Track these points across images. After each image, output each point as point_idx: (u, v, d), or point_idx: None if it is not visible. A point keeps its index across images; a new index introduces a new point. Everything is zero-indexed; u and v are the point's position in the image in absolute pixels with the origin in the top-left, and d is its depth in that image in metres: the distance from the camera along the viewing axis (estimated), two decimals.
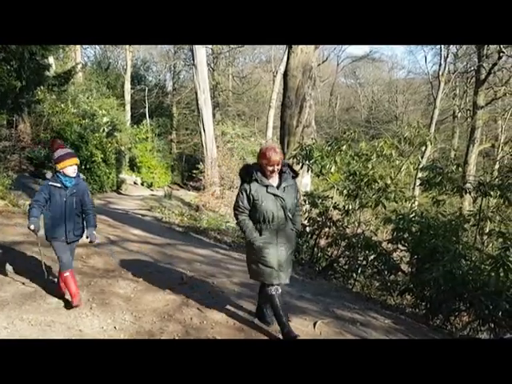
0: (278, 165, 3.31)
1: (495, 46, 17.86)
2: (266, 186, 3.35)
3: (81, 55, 24.25)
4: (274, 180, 3.41)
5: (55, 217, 3.74)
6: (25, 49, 10.77)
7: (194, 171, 18.27)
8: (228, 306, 4.23)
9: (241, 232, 3.60)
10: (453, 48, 23.80)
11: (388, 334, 4.15)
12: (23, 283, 4.20)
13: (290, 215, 3.42)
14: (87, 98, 17.70)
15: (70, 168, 3.73)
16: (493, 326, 4.89)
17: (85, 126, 13.86)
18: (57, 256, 3.81)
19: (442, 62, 23.90)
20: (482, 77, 20.07)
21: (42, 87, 13.09)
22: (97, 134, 13.82)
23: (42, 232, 3.74)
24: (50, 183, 3.74)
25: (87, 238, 3.89)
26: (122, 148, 18.85)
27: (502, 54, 18.43)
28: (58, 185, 3.74)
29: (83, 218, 3.90)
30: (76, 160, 3.79)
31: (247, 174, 3.40)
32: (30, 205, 3.75)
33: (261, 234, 3.39)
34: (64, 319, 3.58)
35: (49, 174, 3.84)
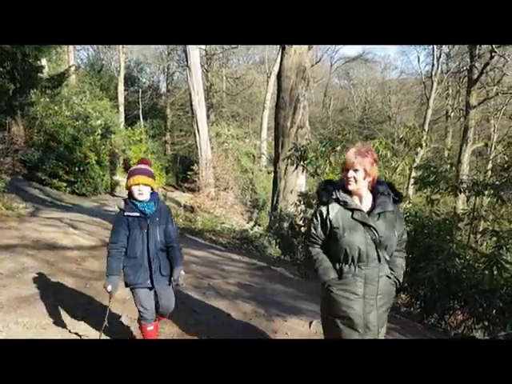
0: (355, 170, 2.36)
1: (487, 45, 17.99)
2: (352, 210, 2.38)
3: (74, 57, 24.19)
4: (365, 202, 2.44)
5: (136, 256, 2.90)
6: (18, 50, 10.73)
7: (189, 173, 18.27)
8: (224, 307, 4.24)
9: (314, 270, 2.56)
10: (445, 48, 23.97)
11: None
12: (18, 287, 4.17)
13: (387, 256, 2.43)
14: (81, 100, 17.67)
15: (135, 188, 2.84)
16: (487, 323, 4.93)
17: (78, 128, 13.82)
18: (138, 307, 2.99)
19: (435, 62, 24.09)
20: (475, 76, 20.17)
21: (35, 89, 13.06)
22: (91, 137, 13.79)
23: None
24: (126, 213, 2.88)
25: (174, 281, 2.97)
26: (116, 150, 18.82)
27: (493, 54, 18.54)
28: (136, 214, 2.88)
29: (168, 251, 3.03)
30: (143, 178, 2.85)
31: (326, 191, 2.47)
32: (108, 251, 2.92)
33: (340, 278, 2.42)
34: (59, 322, 3.57)
35: (121, 203, 2.96)
